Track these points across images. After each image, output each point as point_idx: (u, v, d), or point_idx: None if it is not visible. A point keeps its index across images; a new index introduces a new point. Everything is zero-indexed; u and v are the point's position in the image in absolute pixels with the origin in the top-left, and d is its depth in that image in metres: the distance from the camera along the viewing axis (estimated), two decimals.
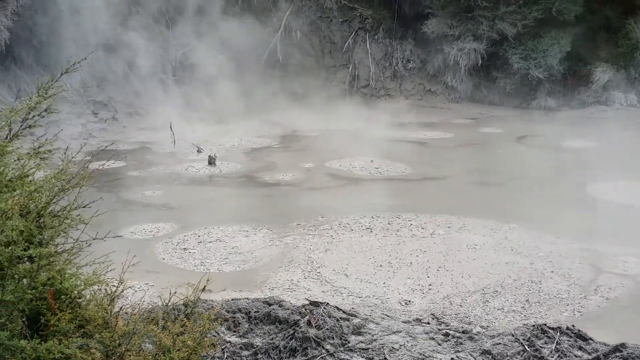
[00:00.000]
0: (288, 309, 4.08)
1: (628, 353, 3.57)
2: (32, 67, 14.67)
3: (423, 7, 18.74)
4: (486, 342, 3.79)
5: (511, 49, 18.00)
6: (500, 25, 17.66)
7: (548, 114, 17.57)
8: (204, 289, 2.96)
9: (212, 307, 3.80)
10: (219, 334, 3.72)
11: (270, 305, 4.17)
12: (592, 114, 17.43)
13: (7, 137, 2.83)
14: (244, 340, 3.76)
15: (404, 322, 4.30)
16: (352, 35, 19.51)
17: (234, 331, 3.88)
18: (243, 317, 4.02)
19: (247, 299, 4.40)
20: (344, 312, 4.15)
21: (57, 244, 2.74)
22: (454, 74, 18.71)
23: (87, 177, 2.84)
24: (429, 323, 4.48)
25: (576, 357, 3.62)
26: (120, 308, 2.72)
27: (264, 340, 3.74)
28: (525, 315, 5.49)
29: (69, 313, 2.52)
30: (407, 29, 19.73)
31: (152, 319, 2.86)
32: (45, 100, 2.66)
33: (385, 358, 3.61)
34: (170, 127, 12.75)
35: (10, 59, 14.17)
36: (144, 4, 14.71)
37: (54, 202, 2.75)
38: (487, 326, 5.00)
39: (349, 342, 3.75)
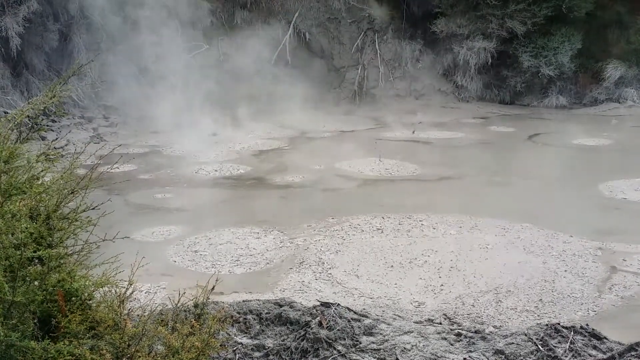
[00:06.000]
0: (299, 310, 4.07)
1: None
2: (44, 73, 14.81)
3: (432, 6, 18.68)
4: (499, 342, 3.75)
5: (521, 47, 17.89)
6: (510, 24, 17.55)
7: (560, 112, 17.46)
8: (212, 289, 2.96)
9: (222, 308, 3.79)
10: (230, 335, 3.72)
11: (281, 306, 4.16)
12: (605, 111, 17.30)
13: (17, 141, 2.84)
14: (256, 342, 3.75)
15: (416, 322, 4.27)
16: (361, 36, 19.48)
17: (245, 332, 3.87)
18: (254, 319, 4.01)
19: (258, 300, 4.38)
20: (355, 312, 4.13)
21: (67, 245, 2.74)
22: (463, 73, 18.64)
23: (95, 179, 2.85)
24: (441, 323, 4.44)
25: (590, 356, 3.57)
26: (130, 310, 2.72)
27: (275, 342, 3.73)
28: (538, 315, 5.44)
29: (80, 315, 2.53)
30: (416, 29, 19.67)
31: (162, 321, 2.86)
32: (52, 100, 2.66)
33: (397, 358, 3.58)
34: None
35: (22, 65, 14.31)
36: (155, 9, 14.78)
37: (64, 205, 2.75)
38: (500, 326, 4.96)
39: (360, 343, 3.72)
